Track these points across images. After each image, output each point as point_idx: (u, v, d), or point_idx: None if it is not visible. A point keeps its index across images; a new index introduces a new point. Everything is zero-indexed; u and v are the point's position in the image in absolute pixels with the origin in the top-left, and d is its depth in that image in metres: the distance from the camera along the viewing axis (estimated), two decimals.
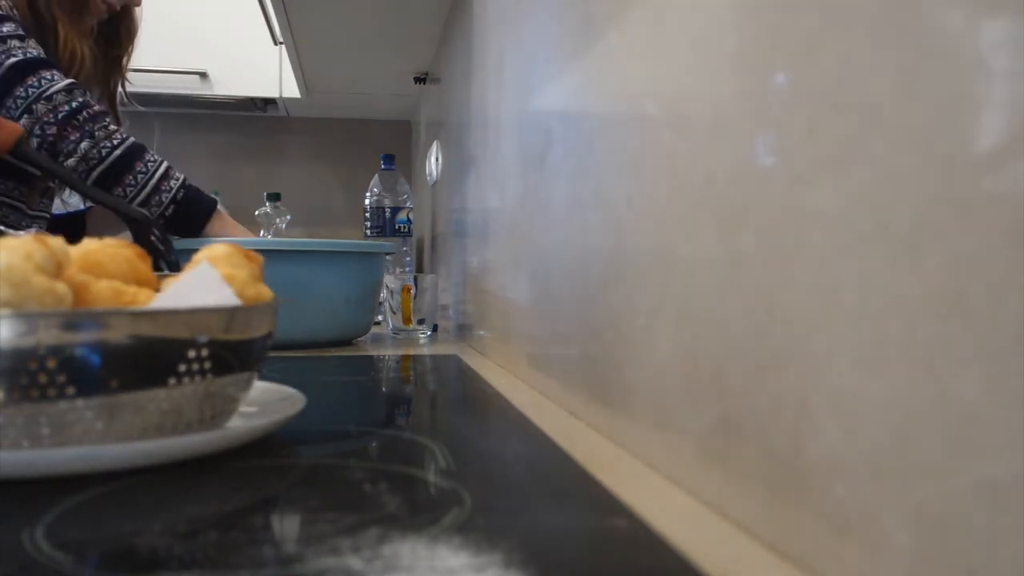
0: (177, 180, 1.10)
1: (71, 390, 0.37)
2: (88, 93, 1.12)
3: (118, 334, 0.38)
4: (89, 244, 0.43)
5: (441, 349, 1.09)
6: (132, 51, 1.30)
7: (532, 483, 0.42)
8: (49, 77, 1.05)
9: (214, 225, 1.12)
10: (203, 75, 1.96)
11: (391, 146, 1.95)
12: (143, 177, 1.07)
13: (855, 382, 0.26)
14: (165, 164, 1.10)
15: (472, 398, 0.71)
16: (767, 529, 0.31)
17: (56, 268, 0.38)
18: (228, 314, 0.42)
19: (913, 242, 0.23)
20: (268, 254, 0.52)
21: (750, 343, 0.32)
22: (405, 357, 1.00)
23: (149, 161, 1.08)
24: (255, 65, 2.00)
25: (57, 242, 0.39)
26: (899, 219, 0.24)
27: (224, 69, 1.99)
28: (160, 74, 1.90)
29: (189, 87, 1.98)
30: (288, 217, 1.87)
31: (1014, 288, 0.19)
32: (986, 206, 0.21)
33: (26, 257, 0.37)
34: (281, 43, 1.83)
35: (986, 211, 0.21)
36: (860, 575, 0.25)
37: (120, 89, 1.29)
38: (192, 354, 0.41)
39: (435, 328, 1.28)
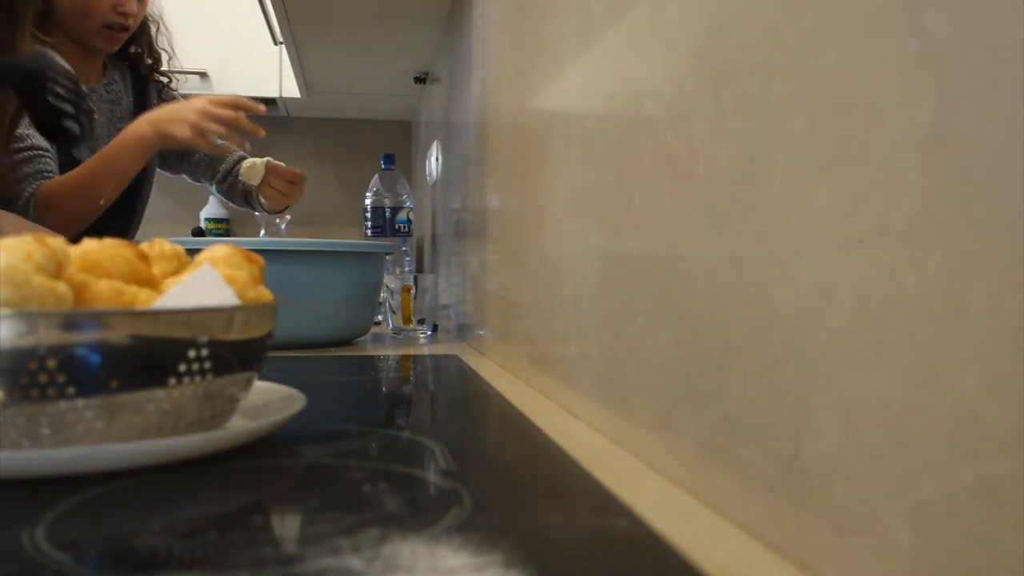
0: None
1: (71, 390, 0.37)
2: None
3: (118, 334, 0.38)
4: (89, 244, 0.43)
5: (441, 349, 1.09)
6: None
7: (532, 483, 0.42)
8: None
9: None
10: (203, 75, 1.96)
11: (391, 146, 1.95)
12: None
13: (855, 382, 0.26)
14: None
15: (472, 398, 0.71)
16: (767, 529, 0.31)
17: (56, 268, 0.38)
18: (228, 314, 0.42)
19: (913, 242, 0.23)
20: (268, 254, 0.52)
21: (750, 343, 0.32)
22: (405, 357, 1.00)
23: None
24: (255, 65, 2.00)
25: (57, 242, 0.39)
26: (899, 219, 0.24)
27: (224, 69, 1.99)
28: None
29: (189, 87, 1.98)
30: (288, 217, 1.87)
31: (1014, 288, 0.19)
32: (986, 206, 0.21)
33: (26, 257, 0.37)
34: (281, 43, 1.83)
35: (986, 211, 0.21)
36: (860, 575, 0.25)
37: None
38: (192, 354, 0.41)
39: (435, 328, 1.28)
